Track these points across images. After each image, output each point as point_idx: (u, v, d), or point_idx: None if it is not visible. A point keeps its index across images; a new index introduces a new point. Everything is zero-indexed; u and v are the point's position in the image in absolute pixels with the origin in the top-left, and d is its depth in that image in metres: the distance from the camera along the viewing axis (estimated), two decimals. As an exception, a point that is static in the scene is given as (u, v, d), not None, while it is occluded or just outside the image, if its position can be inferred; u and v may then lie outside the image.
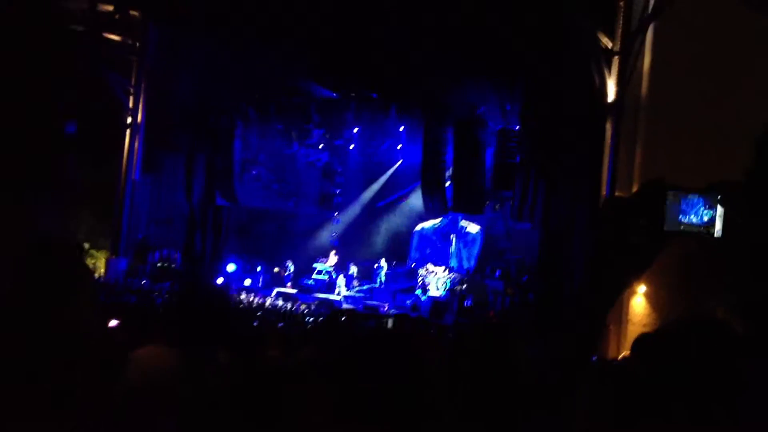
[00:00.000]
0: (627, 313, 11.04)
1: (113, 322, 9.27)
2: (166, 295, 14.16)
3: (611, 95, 11.96)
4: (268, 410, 3.27)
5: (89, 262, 16.58)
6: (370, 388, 2.54)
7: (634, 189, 10.96)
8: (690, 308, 9.48)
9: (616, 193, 11.35)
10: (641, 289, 10.87)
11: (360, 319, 12.84)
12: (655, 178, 9.41)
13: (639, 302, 11.08)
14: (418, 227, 19.25)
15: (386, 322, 13.39)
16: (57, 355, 2.13)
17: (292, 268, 18.41)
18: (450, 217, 18.28)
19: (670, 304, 10.24)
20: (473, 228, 18.45)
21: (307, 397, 3.05)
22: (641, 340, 3.34)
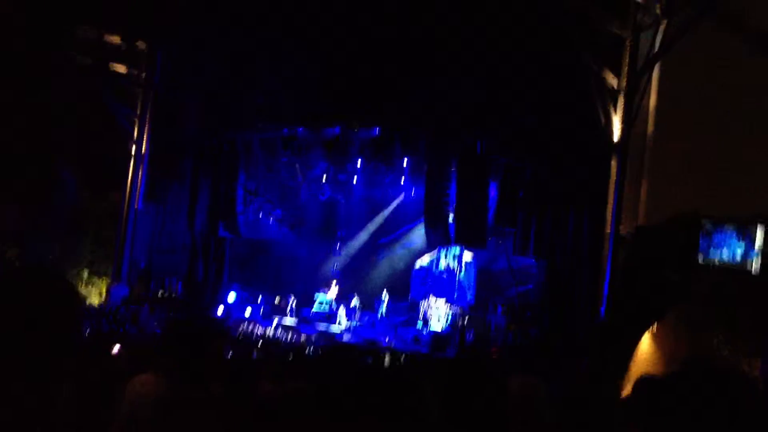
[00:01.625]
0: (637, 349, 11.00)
1: (115, 349, 9.24)
2: (163, 324, 14.11)
3: (617, 133, 12.04)
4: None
5: (84, 289, 16.56)
6: (362, 423, 2.54)
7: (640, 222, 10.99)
8: (694, 350, 9.45)
9: (638, 224, 11.33)
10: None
11: (356, 353, 12.79)
12: (689, 209, 9.33)
13: (644, 339, 11.06)
14: (417, 264, 19.28)
15: (383, 358, 13.35)
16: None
17: (294, 301, 18.34)
18: (446, 250, 18.31)
19: (674, 344, 10.22)
20: (467, 256, 18.46)
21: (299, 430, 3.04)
22: (644, 383, 3.32)
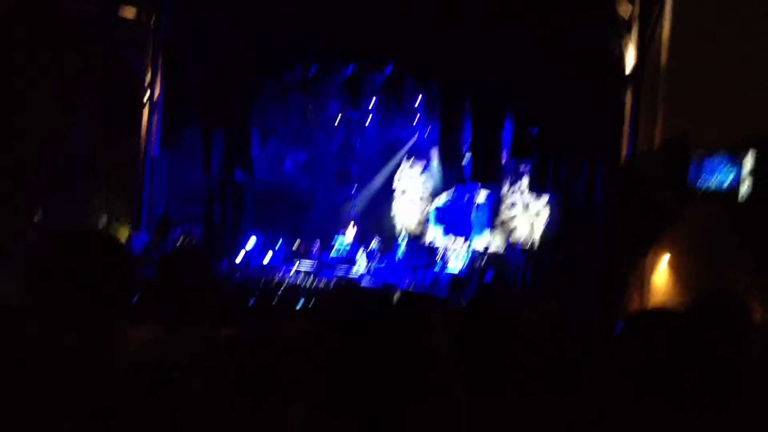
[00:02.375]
0: (649, 282, 10.96)
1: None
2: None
3: (631, 64, 11.79)
4: (265, 383, 3.24)
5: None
6: (367, 366, 2.51)
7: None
8: (713, 279, 9.38)
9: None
10: (664, 257, 10.77)
11: (365, 294, 12.75)
12: (678, 136, 9.22)
13: (662, 271, 10.98)
14: (432, 206, 19.24)
15: (391, 297, 13.32)
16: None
17: (317, 246, 18.42)
18: (462, 189, 18.24)
19: (693, 273, 10.13)
20: (482, 196, 18.40)
21: (303, 371, 3.02)
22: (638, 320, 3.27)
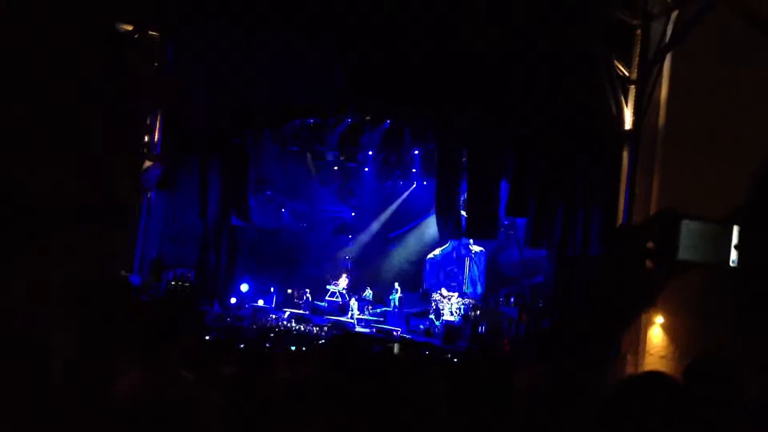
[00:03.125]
0: (645, 344, 10.97)
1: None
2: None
3: (628, 123, 11.96)
4: (267, 424, 3.23)
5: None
6: (370, 410, 2.52)
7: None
8: (708, 343, 9.39)
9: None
10: (659, 319, 10.81)
11: (366, 342, 12.74)
12: (667, 208, 9.29)
13: (657, 333, 11.01)
14: (430, 255, 19.29)
15: (392, 347, 13.29)
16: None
17: (308, 293, 18.41)
18: (457, 242, 18.33)
19: (688, 336, 10.17)
20: (477, 249, 18.49)
21: (306, 414, 3.02)
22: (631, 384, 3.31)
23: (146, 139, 17.69)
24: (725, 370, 3.47)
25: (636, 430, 2.27)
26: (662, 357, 10.65)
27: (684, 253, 1.74)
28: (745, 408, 3.42)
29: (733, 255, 1.79)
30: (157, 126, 17.75)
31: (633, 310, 1.78)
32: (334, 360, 4.26)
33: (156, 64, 17.48)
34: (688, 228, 1.73)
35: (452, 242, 18.55)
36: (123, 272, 16.47)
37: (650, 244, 1.74)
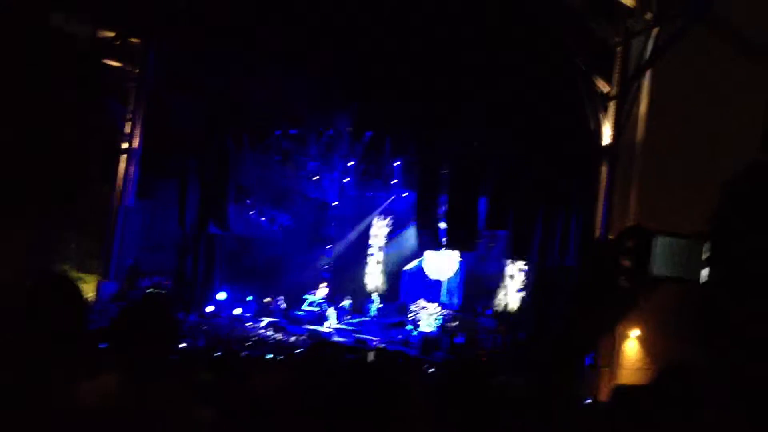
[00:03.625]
0: (620, 357, 11.06)
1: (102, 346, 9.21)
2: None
3: (607, 139, 12.08)
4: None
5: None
6: (343, 417, 2.54)
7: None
8: (682, 355, 9.48)
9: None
10: (634, 333, 10.90)
11: (342, 351, 12.70)
12: (637, 224, 9.42)
13: (631, 346, 11.10)
14: (407, 267, 19.34)
15: (367, 355, 13.26)
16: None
17: (283, 302, 18.37)
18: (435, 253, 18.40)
19: (663, 349, 10.26)
20: (455, 261, 18.53)
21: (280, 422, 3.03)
22: (620, 391, 3.41)
23: (125, 145, 17.60)
24: (687, 380, 3.58)
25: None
26: (637, 369, 10.73)
27: (657, 269, 1.80)
28: (706, 415, 3.52)
29: (704, 271, 1.85)
30: (137, 133, 17.65)
31: (608, 322, 1.84)
32: (308, 368, 4.30)
33: (137, 70, 17.43)
34: (660, 244, 1.79)
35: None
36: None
37: (624, 261, 1.80)
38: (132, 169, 17.58)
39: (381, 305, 18.30)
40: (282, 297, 18.52)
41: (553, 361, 1.90)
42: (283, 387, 4.20)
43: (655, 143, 11.38)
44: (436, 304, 17.81)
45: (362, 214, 20.30)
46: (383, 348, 13.77)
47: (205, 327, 15.81)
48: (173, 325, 3.94)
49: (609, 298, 1.81)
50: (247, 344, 14.33)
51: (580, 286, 1.79)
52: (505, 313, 16.29)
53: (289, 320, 17.87)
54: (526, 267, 15.45)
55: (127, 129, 17.57)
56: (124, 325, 3.48)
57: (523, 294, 15.85)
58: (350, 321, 18.01)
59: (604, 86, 12.04)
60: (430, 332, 16.69)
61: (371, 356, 11.23)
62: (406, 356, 13.83)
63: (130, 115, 17.56)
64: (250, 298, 18.44)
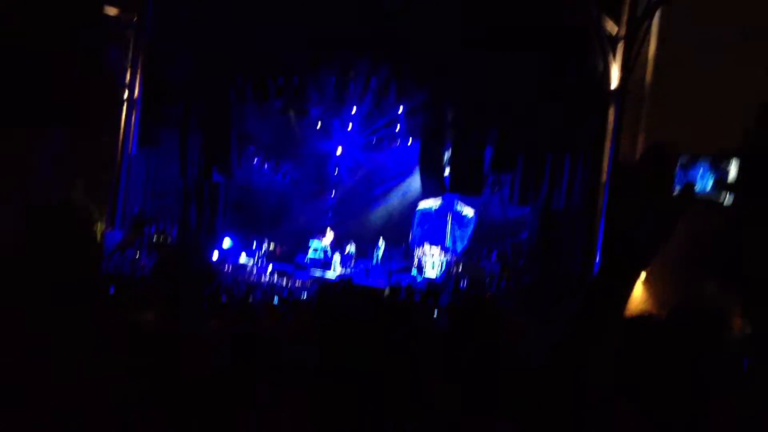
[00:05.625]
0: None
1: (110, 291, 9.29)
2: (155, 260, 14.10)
3: (615, 81, 11.97)
4: (254, 375, 3.26)
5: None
6: (360, 354, 2.55)
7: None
8: (689, 294, 9.53)
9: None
10: (641, 274, 10.96)
11: (354, 290, 12.73)
12: (660, 142, 9.34)
13: (636, 291, 11.17)
14: (420, 206, 19.30)
15: (382, 293, 13.37)
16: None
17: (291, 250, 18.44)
18: (448, 198, 18.36)
19: (669, 291, 10.31)
20: (468, 211, 18.54)
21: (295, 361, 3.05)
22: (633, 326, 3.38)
23: (126, 94, 17.46)
24: (709, 312, 3.54)
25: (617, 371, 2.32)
26: (642, 309, 10.79)
27: (679, 189, 1.77)
28: (728, 350, 3.51)
29: (726, 197, 1.82)
30: (138, 81, 17.49)
31: (648, 250, 1.82)
32: (322, 306, 4.30)
33: (136, 18, 17.17)
34: (682, 163, 1.76)
35: (443, 199, 18.59)
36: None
37: (648, 181, 1.76)
38: (134, 118, 17.46)
39: (386, 250, 18.37)
40: (291, 244, 18.59)
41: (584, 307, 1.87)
42: (294, 329, 4.24)
43: (663, 85, 11.29)
44: (441, 249, 17.88)
45: (367, 160, 20.22)
46: (398, 286, 13.88)
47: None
48: (210, 271, 3.98)
49: (643, 225, 1.78)
50: (253, 290, 14.44)
51: (619, 214, 1.77)
52: (509, 258, 16.34)
53: (294, 266, 17.99)
54: (531, 211, 15.42)
55: (128, 78, 17.40)
56: (165, 267, 3.53)
57: (528, 239, 15.86)
58: (355, 267, 18.10)
59: (612, 27, 11.88)
60: (435, 277, 16.81)
61: (387, 292, 11.30)
62: (420, 291, 13.99)
63: (130, 64, 17.38)
64: (255, 245, 18.49)
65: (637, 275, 1.85)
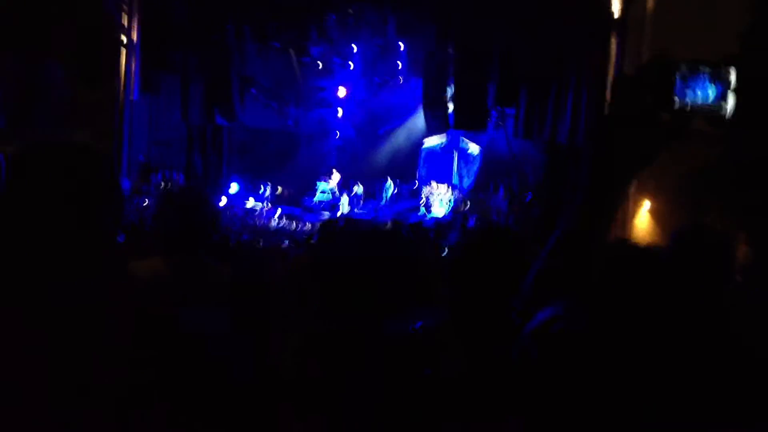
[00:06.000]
0: (631, 230, 11.08)
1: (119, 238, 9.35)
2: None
3: (617, 10, 11.76)
4: (261, 312, 3.25)
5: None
6: (365, 282, 2.51)
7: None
8: (692, 221, 9.46)
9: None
10: (646, 204, 10.89)
11: (358, 223, 12.73)
12: (658, 54, 9.15)
13: (643, 218, 11.12)
14: (425, 144, 19.18)
15: (385, 225, 13.42)
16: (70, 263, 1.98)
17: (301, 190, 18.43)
18: (453, 135, 18.24)
19: (676, 220, 10.25)
20: (474, 147, 18.41)
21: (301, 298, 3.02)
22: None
23: (125, 39, 17.24)
24: (715, 238, 3.46)
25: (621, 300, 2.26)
26: (647, 240, 10.75)
27: (680, 102, 1.71)
28: (735, 279, 3.45)
29: (730, 102, 1.76)
30: (135, 26, 17.26)
31: (636, 165, 1.74)
32: (328, 241, 4.26)
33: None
34: (682, 74, 1.69)
35: (447, 136, 18.46)
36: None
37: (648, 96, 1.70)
38: (134, 63, 17.28)
39: (395, 190, 18.34)
40: (301, 185, 18.60)
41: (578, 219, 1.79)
42: (303, 267, 4.22)
43: (666, 14, 11.02)
44: (447, 186, 17.83)
45: (371, 99, 20.03)
46: (397, 222, 13.88)
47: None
48: (217, 215, 3.95)
49: (636, 140, 1.70)
50: (262, 235, 14.51)
51: (602, 128, 1.71)
52: (517, 194, 16.28)
53: (302, 209, 18.02)
54: (537, 145, 15.29)
55: (125, 21, 17.15)
56: (170, 215, 3.51)
57: (535, 173, 15.79)
58: (364, 207, 18.12)
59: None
60: (443, 216, 16.80)
61: (389, 225, 11.30)
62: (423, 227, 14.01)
63: (126, 7, 17.11)
64: (262, 188, 18.49)
65: (619, 196, 1.76)
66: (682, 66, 1.67)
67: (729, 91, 1.78)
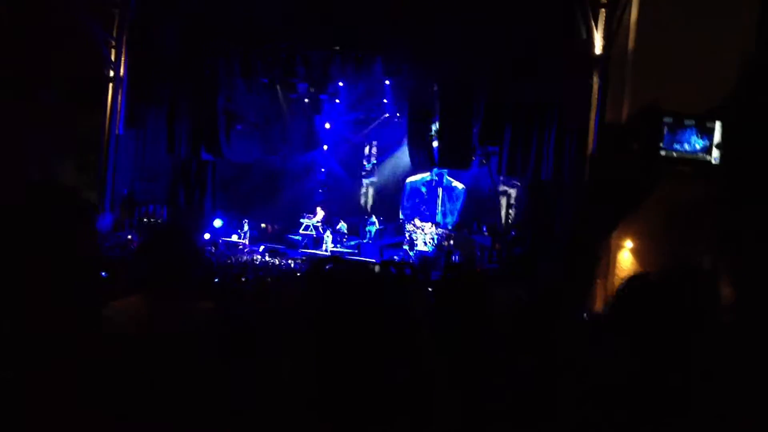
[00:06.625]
0: (614, 268, 11.10)
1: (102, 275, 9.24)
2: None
3: (598, 48, 11.89)
4: (246, 353, 3.21)
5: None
6: (353, 328, 2.50)
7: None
8: (677, 260, 9.50)
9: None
10: (628, 244, 10.92)
11: (345, 264, 12.68)
12: (649, 103, 9.25)
13: (626, 257, 11.13)
14: (409, 180, 19.26)
15: (373, 268, 13.32)
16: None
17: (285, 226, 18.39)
18: (438, 172, 18.35)
19: (657, 259, 10.28)
20: (458, 184, 18.52)
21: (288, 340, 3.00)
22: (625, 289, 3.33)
23: (112, 73, 17.29)
24: (699, 276, 3.45)
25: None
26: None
27: (667, 150, 1.72)
28: (719, 316, 3.44)
29: (715, 151, 1.77)
30: (123, 59, 17.32)
31: (621, 214, 1.74)
32: (314, 280, 4.24)
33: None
34: (670, 126, 1.71)
35: (431, 173, 18.57)
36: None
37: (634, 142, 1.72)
38: (120, 98, 17.30)
39: (380, 227, 18.35)
40: (285, 221, 18.58)
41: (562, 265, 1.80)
42: (287, 305, 4.18)
43: (646, 51, 11.19)
44: (431, 224, 17.86)
45: (355, 135, 20.13)
46: (389, 260, 13.87)
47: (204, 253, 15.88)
48: (199, 253, 3.91)
49: (621, 186, 1.71)
50: (245, 269, 14.41)
51: (590, 179, 1.72)
52: (500, 231, 16.33)
53: (286, 245, 17.97)
54: (519, 184, 15.39)
55: (113, 56, 17.22)
56: (151, 252, 3.48)
57: (518, 211, 15.86)
58: (347, 243, 18.09)
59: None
60: (427, 252, 16.80)
61: (376, 269, 11.30)
62: (411, 266, 14.00)
63: (115, 42, 17.20)
64: (246, 224, 18.45)
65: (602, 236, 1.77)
66: (670, 118, 1.69)
67: (714, 145, 1.79)
